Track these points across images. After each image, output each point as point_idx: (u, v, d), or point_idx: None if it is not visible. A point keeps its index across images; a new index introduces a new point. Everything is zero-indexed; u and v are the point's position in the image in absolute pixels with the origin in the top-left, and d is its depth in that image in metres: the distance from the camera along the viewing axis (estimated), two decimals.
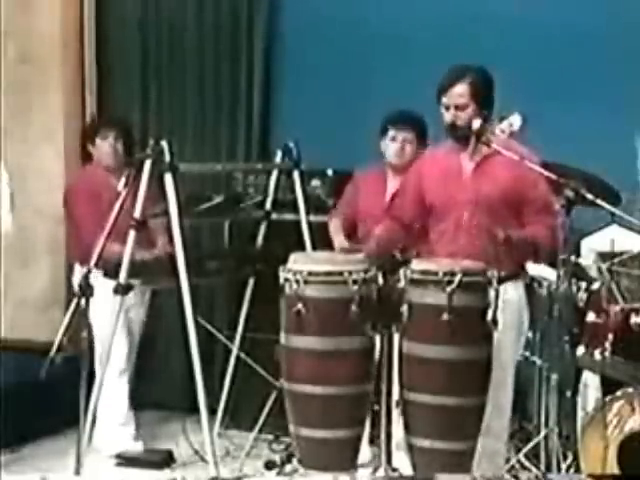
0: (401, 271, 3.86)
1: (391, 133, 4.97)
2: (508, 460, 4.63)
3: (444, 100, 4.19)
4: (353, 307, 3.77)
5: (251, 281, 5.41)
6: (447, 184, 4.24)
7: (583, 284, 4.46)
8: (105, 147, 5.34)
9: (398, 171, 4.96)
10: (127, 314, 5.21)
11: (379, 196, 5.00)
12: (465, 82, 4.16)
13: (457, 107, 4.17)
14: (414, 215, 4.36)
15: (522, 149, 4.18)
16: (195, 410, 4.74)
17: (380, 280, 3.89)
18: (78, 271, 5.22)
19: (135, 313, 5.36)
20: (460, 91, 4.16)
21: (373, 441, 4.02)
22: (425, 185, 4.32)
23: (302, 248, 5.12)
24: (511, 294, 4.12)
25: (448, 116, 4.19)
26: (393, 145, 4.97)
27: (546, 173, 4.05)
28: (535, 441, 4.58)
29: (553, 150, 4.38)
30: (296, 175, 5.29)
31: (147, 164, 4.64)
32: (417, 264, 3.88)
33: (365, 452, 4.04)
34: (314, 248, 5.14)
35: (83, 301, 4.23)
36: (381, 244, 4.28)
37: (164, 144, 4.64)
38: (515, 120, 4.43)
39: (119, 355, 5.17)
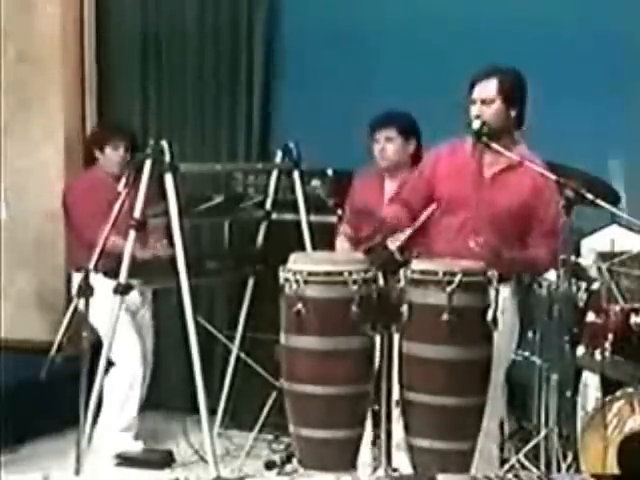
0: (401, 271, 3.85)
1: (375, 136, 4.95)
2: (508, 460, 4.64)
3: (473, 95, 4.20)
4: (353, 307, 3.76)
5: (251, 281, 5.41)
6: (461, 181, 4.22)
7: (583, 284, 4.46)
8: (116, 158, 5.32)
9: (394, 174, 4.95)
10: (134, 318, 5.23)
11: (377, 199, 4.99)
12: (494, 78, 4.17)
13: (483, 101, 4.17)
14: (423, 203, 4.34)
15: (539, 161, 4.17)
16: (195, 410, 4.74)
17: (380, 280, 3.89)
18: (76, 278, 5.21)
19: (142, 317, 5.36)
20: (488, 85, 4.17)
21: (375, 442, 4.02)
22: (438, 176, 4.30)
23: (302, 248, 5.12)
24: (506, 294, 4.12)
25: (473, 109, 4.19)
26: (376, 147, 4.95)
27: (546, 173, 4.05)
28: (535, 441, 4.58)
29: (553, 150, 4.39)
30: (296, 175, 5.29)
31: (147, 164, 4.64)
32: (417, 264, 3.88)
33: (365, 452, 4.03)
34: (314, 248, 5.14)
35: (83, 301, 4.24)
36: (389, 225, 4.27)
37: (164, 144, 4.65)
38: None
39: (132, 362, 5.18)
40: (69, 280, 5.50)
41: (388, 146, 4.92)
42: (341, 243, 5.03)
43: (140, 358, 5.26)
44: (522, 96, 4.24)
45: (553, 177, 4.03)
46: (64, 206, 5.42)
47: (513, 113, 4.20)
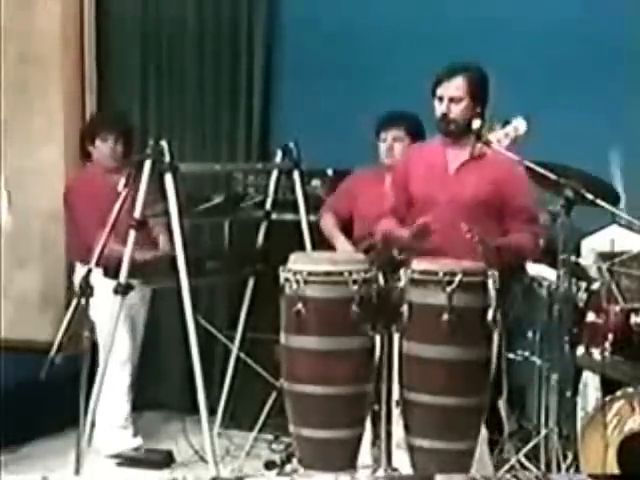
0: (401, 271, 3.86)
1: (382, 135, 5.01)
2: (508, 460, 4.64)
3: (439, 91, 4.23)
4: (353, 307, 3.77)
5: (251, 281, 5.41)
6: (430, 180, 4.28)
7: (583, 284, 4.46)
8: (105, 149, 5.31)
9: None
10: (129, 314, 5.21)
11: (378, 198, 4.99)
12: (463, 76, 4.21)
13: (452, 99, 4.21)
14: (404, 207, 4.38)
15: (511, 154, 4.20)
16: (195, 410, 4.74)
17: (380, 280, 3.90)
18: (79, 270, 5.22)
19: (137, 313, 5.35)
20: (457, 84, 4.21)
21: (374, 442, 4.02)
22: (410, 178, 4.35)
23: (302, 248, 5.13)
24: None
25: (441, 107, 4.22)
26: (382, 145, 5.01)
27: (546, 173, 4.05)
28: (535, 441, 4.58)
29: (553, 150, 4.39)
30: (296, 175, 5.29)
31: (147, 164, 4.64)
32: (417, 264, 3.88)
33: (365, 453, 4.03)
34: (314, 248, 5.15)
35: (83, 301, 4.24)
36: (387, 239, 4.30)
37: (164, 144, 4.64)
38: (520, 124, 4.42)
39: (121, 357, 5.17)
40: (70, 277, 5.47)
41: (396, 145, 4.96)
42: (338, 239, 5.06)
43: (129, 352, 5.27)
44: (486, 93, 4.27)
45: (519, 162, 4.08)
46: (65, 206, 5.41)
47: (478, 110, 4.23)
